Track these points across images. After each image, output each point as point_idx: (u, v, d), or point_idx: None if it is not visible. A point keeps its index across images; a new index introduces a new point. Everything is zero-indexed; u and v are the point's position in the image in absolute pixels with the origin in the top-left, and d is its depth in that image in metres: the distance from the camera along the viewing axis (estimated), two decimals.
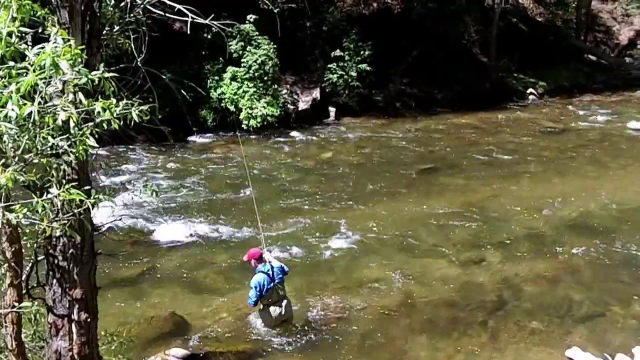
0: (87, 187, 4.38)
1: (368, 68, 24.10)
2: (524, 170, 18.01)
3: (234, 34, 21.27)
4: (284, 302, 9.39)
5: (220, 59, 21.83)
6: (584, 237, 12.95)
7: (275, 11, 15.54)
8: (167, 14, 5.88)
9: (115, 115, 4.00)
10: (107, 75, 3.94)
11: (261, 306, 9.41)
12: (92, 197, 4.05)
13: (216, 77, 21.80)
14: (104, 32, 5.48)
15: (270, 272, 9.18)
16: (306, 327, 9.63)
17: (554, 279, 11.31)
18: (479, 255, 12.23)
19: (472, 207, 14.75)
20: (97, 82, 3.89)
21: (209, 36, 21.51)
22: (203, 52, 22.14)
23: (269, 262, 9.28)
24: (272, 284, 9.19)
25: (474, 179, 17.18)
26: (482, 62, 29.59)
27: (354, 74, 23.97)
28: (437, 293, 10.79)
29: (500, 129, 23.34)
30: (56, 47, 3.63)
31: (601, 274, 11.49)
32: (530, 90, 29.05)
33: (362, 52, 24.27)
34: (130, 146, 18.94)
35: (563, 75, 30.54)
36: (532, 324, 9.74)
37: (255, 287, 9.10)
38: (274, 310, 9.34)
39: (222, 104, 21.55)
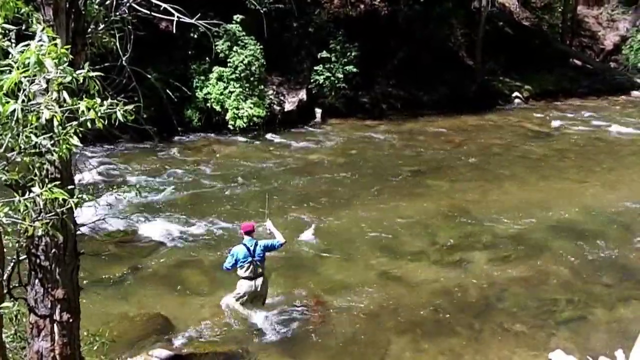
0: (70, 187, 4.34)
1: (354, 70, 24.11)
2: (509, 174, 18.10)
3: (220, 34, 21.19)
4: (260, 280, 9.67)
5: (207, 58, 21.76)
6: (568, 240, 13.05)
7: (262, 11, 15.50)
8: (153, 13, 5.84)
9: (99, 114, 3.97)
10: (92, 74, 3.91)
11: (240, 279, 9.70)
12: (75, 197, 4.01)
13: (202, 77, 21.72)
14: (89, 30, 5.44)
15: (251, 248, 9.52)
16: (289, 328, 9.61)
17: (538, 281, 11.37)
18: (463, 258, 12.28)
19: (457, 210, 14.81)
20: (81, 81, 3.86)
21: (196, 36, 21.42)
22: (189, 52, 22.04)
23: (256, 239, 9.61)
24: (250, 259, 9.50)
25: (459, 182, 17.24)
26: (468, 65, 29.71)
27: (340, 75, 23.97)
28: (421, 295, 10.82)
29: (486, 132, 23.45)
30: (41, 44, 3.60)
31: (585, 277, 11.58)
32: (515, 93, 29.21)
33: (348, 54, 24.27)
34: (114, 145, 18.81)
35: (548, 80, 30.73)
36: (516, 326, 9.80)
37: (232, 255, 9.56)
38: (249, 285, 9.64)
39: (208, 104, 21.47)
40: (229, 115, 21.29)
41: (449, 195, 16.07)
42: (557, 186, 16.94)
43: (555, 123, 24.92)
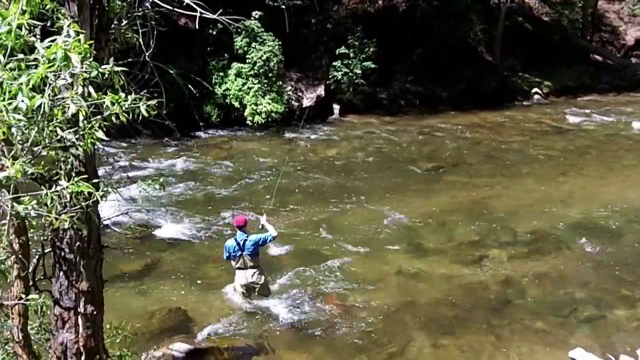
0: (95, 180, 4.38)
1: (373, 66, 24.05)
2: (528, 170, 17.99)
3: (239, 30, 21.24)
4: (249, 271, 9.96)
5: (225, 55, 21.83)
6: (588, 238, 12.94)
7: (282, 7, 15.51)
8: (175, 9, 5.87)
9: (123, 109, 4.01)
10: (116, 69, 3.95)
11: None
12: (100, 190, 4.05)
13: (221, 73, 21.78)
14: (112, 26, 5.49)
15: (241, 242, 9.82)
16: (307, 324, 9.65)
17: (558, 279, 11.31)
18: (482, 254, 12.24)
19: (476, 206, 14.76)
20: (106, 75, 3.90)
21: (214, 32, 21.51)
22: (208, 48, 22.12)
23: (247, 234, 9.89)
24: (240, 252, 9.86)
25: (478, 178, 17.16)
26: (487, 61, 29.53)
27: (358, 71, 23.93)
28: (439, 291, 10.81)
29: (505, 129, 23.31)
30: (67, 40, 3.64)
31: (605, 274, 11.50)
32: (535, 89, 28.97)
33: (366, 50, 24.22)
34: (135, 141, 18.94)
35: (568, 75, 30.43)
36: (536, 324, 9.76)
37: (225, 248, 10.04)
38: (241, 275, 10.03)
39: (227, 100, 21.53)
40: (247, 111, 21.35)
41: (467, 191, 16.00)
42: (577, 183, 16.82)
43: (575, 119, 24.71)
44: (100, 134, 3.97)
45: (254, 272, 9.99)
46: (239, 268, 9.99)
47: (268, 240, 10.04)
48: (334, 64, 24.15)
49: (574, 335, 9.50)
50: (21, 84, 3.60)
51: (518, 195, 15.72)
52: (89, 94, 3.85)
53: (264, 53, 21.42)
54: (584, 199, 15.27)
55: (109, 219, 5.42)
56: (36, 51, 3.81)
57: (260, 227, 10.19)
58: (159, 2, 5.64)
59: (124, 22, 5.66)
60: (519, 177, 17.27)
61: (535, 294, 10.73)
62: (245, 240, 9.82)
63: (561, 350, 8.99)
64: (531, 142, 21.28)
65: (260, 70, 21.46)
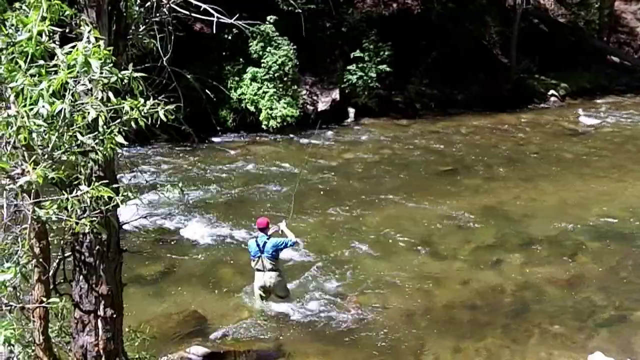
0: (115, 185, 4.43)
1: (387, 69, 24.01)
2: (545, 173, 17.88)
3: (254, 34, 21.31)
4: (267, 274, 9.99)
5: (240, 59, 21.92)
6: (606, 241, 12.85)
7: (298, 12, 15.56)
8: (192, 14, 5.92)
9: (142, 114, 4.05)
10: (135, 74, 3.99)
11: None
12: (120, 195, 4.10)
13: (236, 78, 21.86)
14: (130, 31, 5.54)
15: (261, 244, 9.88)
16: (324, 327, 9.65)
17: (576, 282, 11.22)
18: (498, 258, 12.18)
19: (492, 209, 14.69)
20: (125, 81, 3.95)
21: (230, 37, 21.61)
22: (223, 53, 22.22)
23: (268, 237, 9.95)
24: (259, 254, 9.91)
25: (494, 181, 17.09)
26: (502, 63, 29.41)
27: (373, 74, 23.89)
28: (456, 294, 10.76)
29: (521, 131, 23.19)
30: (87, 46, 3.68)
31: (624, 278, 11.40)
32: (551, 92, 28.78)
33: (381, 53, 24.19)
34: (153, 146, 19.04)
35: (585, 77, 30.24)
36: (554, 327, 9.68)
37: (248, 247, 10.18)
38: (257, 277, 10.11)
39: (242, 105, 21.60)
40: (262, 116, 21.40)
41: (483, 194, 15.93)
42: (595, 185, 16.69)
43: (592, 121, 24.54)
44: (119, 139, 4.01)
45: (272, 275, 10.01)
46: (258, 270, 10.04)
47: (288, 245, 10.08)
48: (348, 67, 24.14)
49: (593, 339, 9.41)
50: (42, 89, 3.65)
51: (535, 198, 15.63)
52: (108, 99, 3.90)
53: (279, 57, 21.47)
54: (601, 202, 15.14)
55: (127, 223, 5.46)
56: (56, 57, 3.86)
57: (280, 232, 10.23)
58: (175, 7, 5.69)
59: (142, 27, 5.72)
60: (536, 180, 17.17)
61: (553, 298, 10.65)
62: (266, 242, 9.87)
63: (580, 354, 8.90)
64: (548, 145, 21.16)
65: (276, 75, 21.52)
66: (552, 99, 28.57)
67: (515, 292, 10.87)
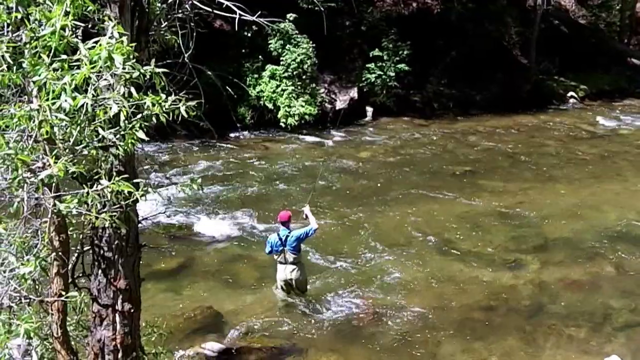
0: (135, 180, 4.45)
1: (406, 68, 23.94)
2: (563, 175, 17.75)
3: (273, 32, 21.34)
4: (289, 267, 10.17)
5: (260, 57, 21.95)
6: (623, 244, 12.75)
7: (319, 10, 15.55)
8: (214, 11, 5.94)
9: (164, 109, 4.07)
10: (157, 70, 4.01)
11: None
12: (140, 190, 4.12)
13: (255, 75, 21.89)
14: (152, 27, 5.57)
15: (284, 238, 10.05)
16: (339, 325, 9.67)
17: (592, 285, 11.15)
18: (514, 259, 12.13)
19: (509, 211, 14.61)
20: (148, 76, 3.96)
21: (249, 34, 21.64)
22: (242, 50, 22.26)
23: (290, 230, 10.11)
24: (281, 247, 10.08)
25: (512, 182, 16.99)
26: (522, 64, 29.19)
27: (392, 74, 23.83)
28: (472, 295, 10.73)
29: (540, 133, 23.02)
30: (110, 41, 3.70)
31: None
32: (570, 93, 28.52)
33: (400, 52, 24.11)
34: (172, 142, 19.11)
35: (605, 79, 29.93)
36: (570, 330, 9.63)
37: (268, 243, 10.33)
38: (279, 269, 10.29)
39: (261, 102, 21.64)
40: (280, 114, 21.42)
41: (500, 195, 15.84)
42: (612, 188, 16.55)
43: (611, 124, 24.32)
44: (140, 134, 4.03)
45: (294, 269, 10.17)
46: (280, 262, 10.19)
47: (310, 234, 10.23)
48: (367, 66, 24.09)
49: (609, 342, 9.35)
50: (64, 84, 3.67)
51: (552, 200, 15.52)
52: (130, 95, 3.92)
53: (298, 55, 21.48)
54: (619, 205, 15.02)
55: (146, 218, 5.49)
56: (79, 52, 3.88)
57: (304, 217, 10.41)
58: (197, 3, 5.71)
59: (164, 23, 5.75)
60: (553, 182, 17.05)
61: (569, 301, 10.58)
62: (288, 235, 10.04)
63: (596, 357, 8.85)
64: (566, 147, 20.99)
65: (294, 73, 21.54)
66: (571, 100, 28.31)
67: (530, 294, 10.83)
